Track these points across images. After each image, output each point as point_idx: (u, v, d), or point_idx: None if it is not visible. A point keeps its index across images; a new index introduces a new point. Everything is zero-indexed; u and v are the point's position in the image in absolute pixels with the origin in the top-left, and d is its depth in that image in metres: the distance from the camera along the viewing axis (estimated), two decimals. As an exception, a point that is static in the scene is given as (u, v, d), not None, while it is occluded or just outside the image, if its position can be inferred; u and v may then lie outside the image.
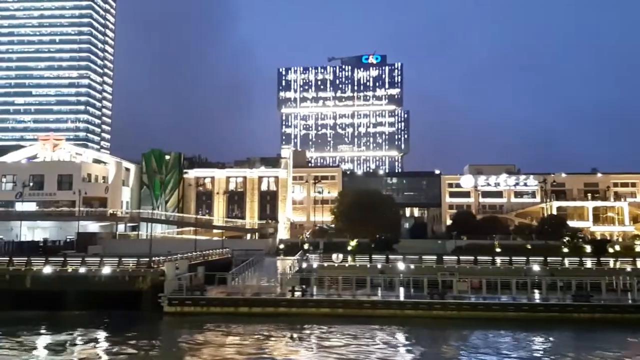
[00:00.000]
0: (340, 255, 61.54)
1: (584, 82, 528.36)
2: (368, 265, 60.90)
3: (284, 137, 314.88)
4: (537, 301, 48.48)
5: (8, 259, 54.62)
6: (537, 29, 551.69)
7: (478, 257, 65.90)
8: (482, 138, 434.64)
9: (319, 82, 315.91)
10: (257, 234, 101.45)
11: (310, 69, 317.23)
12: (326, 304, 48.57)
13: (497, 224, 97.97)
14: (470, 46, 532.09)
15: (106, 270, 52.92)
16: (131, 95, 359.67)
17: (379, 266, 60.76)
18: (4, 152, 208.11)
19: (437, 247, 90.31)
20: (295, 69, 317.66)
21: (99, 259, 54.24)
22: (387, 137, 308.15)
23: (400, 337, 42.54)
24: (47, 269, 53.38)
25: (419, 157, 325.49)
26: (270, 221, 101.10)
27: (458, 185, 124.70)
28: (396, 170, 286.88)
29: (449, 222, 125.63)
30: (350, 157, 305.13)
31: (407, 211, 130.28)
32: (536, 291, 51.56)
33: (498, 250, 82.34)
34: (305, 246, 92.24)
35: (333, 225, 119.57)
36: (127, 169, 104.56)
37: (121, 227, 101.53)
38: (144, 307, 52.25)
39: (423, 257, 64.91)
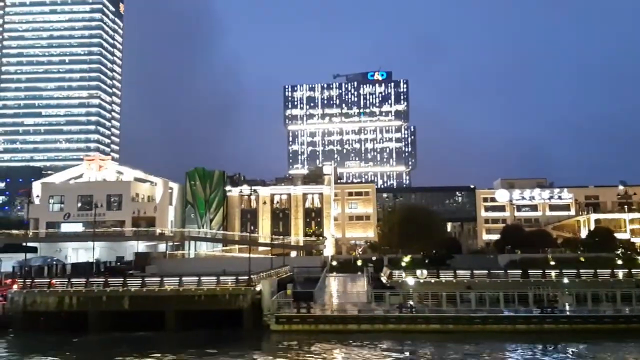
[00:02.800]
0: (425, 271, 61.68)
1: (573, 93, 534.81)
2: (454, 281, 60.88)
3: (290, 154, 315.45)
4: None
5: (104, 280, 54.12)
6: (528, 41, 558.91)
7: (546, 271, 65.90)
8: (475, 150, 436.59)
9: (325, 99, 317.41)
10: (303, 251, 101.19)
11: (316, 86, 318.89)
12: (435, 320, 48.66)
13: (545, 238, 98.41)
14: (459, 59, 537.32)
15: (206, 289, 52.66)
16: (135, 114, 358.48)
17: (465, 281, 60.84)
18: (31, 172, 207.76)
19: (488, 262, 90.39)
20: (302, 86, 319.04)
21: (196, 278, 53.84)
22: (394, 152, 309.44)
23: (532, 353, 42.56)
24: (144, 290, 52.99)
25: (425, 172, 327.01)
26: (320, 238, 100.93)
27: (493, 200, 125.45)
28: (404, 185, 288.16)
29: (485, 236, 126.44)
30: (358, 172, 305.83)
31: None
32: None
33: (552, 263, 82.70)
34: (359, 262, 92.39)
35: (369, 242, 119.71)
36: (171, 188, 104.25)
37: (162, 247, 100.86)
38: (246, 325, 52.09)
39: (492, 272, 65.01)
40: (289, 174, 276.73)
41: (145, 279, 54.01)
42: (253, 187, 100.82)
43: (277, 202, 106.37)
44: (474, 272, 61.75)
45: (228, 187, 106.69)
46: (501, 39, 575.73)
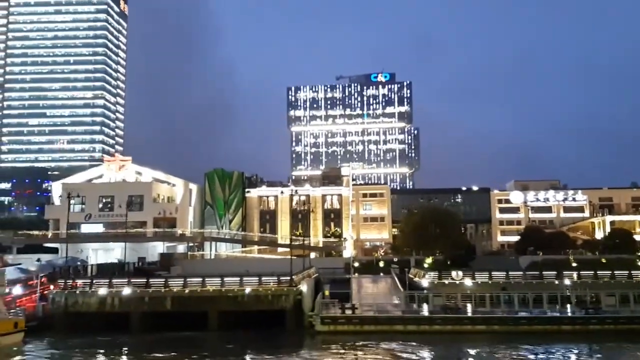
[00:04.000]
0: (460, 273, 61.85)
1: (567, 95, 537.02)
2: (490, 282, 61.10)
3: (294, 155, 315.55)
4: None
5: (145, 281, 54.09)
6: (523, 41, 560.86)
7: (581, 272, 66.11)
8: (477, 151, 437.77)
9: (328, 101, 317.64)
10: (323, 252, 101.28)
11: (319, 87, 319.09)
12: (481, 321, 48.89)
13: (565, 239, 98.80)
14: (454, 59, 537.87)
15: (248, 289, 52.74)
16: (137, 115, 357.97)
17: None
18: (43, 173, 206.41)
19: (509, 263, 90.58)
20: (305, 87, 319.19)
21: (239, 278, 53.88)
22: (397, 154, 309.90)
23: (587, 353, 42.88)
24: (187, 290, 53.00)
25: (429, 174, 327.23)
26: (342, 239, 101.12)
27: (507, 201, 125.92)
28: (407, 187, 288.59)
29: (499, 238, 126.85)
30: (362, 174, 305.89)
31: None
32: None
33: (574, 264, 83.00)
34: (381, 264, 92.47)
35: (389, 244, 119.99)
36: (190, 189, 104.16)
37: (180, 248, 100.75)
38: (289, 325, 52.21)
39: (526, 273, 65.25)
40: (292, 175, 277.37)
41: (188, 280, 53.96)
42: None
43: (296, 203, 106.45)
44: (509, 273, 61.92)
45: (247, 189, 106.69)
46: (501, 39, 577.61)
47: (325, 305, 51.06)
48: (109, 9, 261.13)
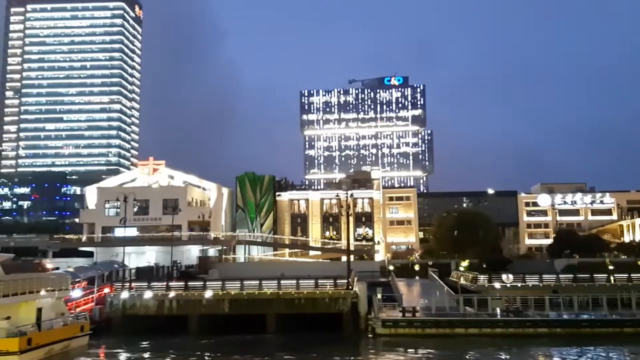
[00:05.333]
0: (511, 276, 61.77)
1: (566, 98, 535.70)
2: (541, 285, 61.05)
3: (307, 159, 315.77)
4: None
5: (203, 283, 54.33)
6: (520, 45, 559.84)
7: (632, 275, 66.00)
8: (482, 155, 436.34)
9: (342, 104, 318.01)
10: (355, 255, 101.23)
11: (332, 91, 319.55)
12: (544, 324, 48.76)
13: (599, 242, 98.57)
14: (451, 63, 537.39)
15: (305, 292, 52.88)
16: (151, 119, 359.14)
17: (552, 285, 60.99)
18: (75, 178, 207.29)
19: (544, 266, 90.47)
20: (318, 91, 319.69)
21: (295, 281, 54.03)
22: (410, 157, 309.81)
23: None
24: (245, 293, 53.17)
25: (442, 178, 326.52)
26: (375, 242, 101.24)
27: (535, 204, 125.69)
28: (421, 191, 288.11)
29: (527, 241, 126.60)
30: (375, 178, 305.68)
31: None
32: None
33: (610, 267, 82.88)
34: (416, 267, 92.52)
35: (412, 247, 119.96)
36: (221, 193, 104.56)
37: (211, 251, 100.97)
38: (346, 328, 52.29)
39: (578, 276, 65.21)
40: (305, 179, 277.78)
41: (244, 282, 54.14)
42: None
43: (327, 207, 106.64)
44: (560, 276, 61.88)
45: (278, 193, 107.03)
46: (500, 42, 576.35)
47: (384, 308, 51.08)
48: (125, 14, 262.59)
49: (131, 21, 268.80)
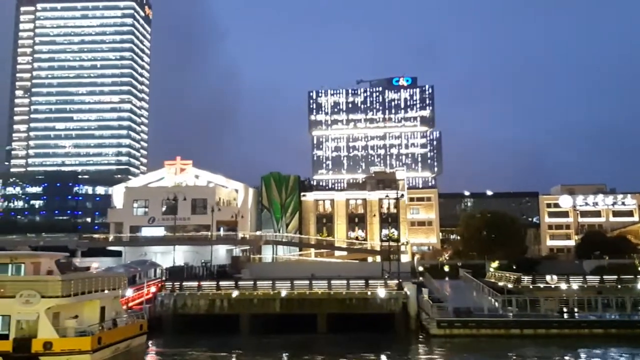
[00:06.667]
0: (555, 277, 61.72)
1: (573, 99, 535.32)
2: (585, 286, 61.01)
3: (315, 160, 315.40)
4: None
5: (253, 283, 54.27)
6: (522, 44, 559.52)
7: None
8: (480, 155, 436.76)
9: (350, 105, 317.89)
10: (381, 256, 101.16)
11: (341, 91, 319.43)
12: (599, 325, 48.78)
13: (627, 243, 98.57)
14: (455, 63, 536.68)
15: (357, 292, 52.82)
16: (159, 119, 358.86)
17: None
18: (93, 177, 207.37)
19: (573, 267, 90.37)
20: (326, 91, 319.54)
21: (345, 282, 54.01)
22: (419, 158, 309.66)
23: None
24: (296, 292, 53.12)
25: (450, 178, 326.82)
26: (402, 243, 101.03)
27: (556, 205, 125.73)
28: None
29: (549, 242, 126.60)
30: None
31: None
32: None
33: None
34: (446, 268, 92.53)
35: (432, 248, 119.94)
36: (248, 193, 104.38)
37: (236, 251, 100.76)
38: (398, 329, 52.27)
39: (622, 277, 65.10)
40: (313, 178, 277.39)
41: (295, 282, 54.08)
42: (328, 192, 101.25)
43: (352, 207, 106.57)
44: (604, 277, 61.89)
45: (303, 193, 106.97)
46: (501, 43, 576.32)
47: (438, 308, 51.04)
48: (135, 14, 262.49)
49: (141, 21, 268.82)
